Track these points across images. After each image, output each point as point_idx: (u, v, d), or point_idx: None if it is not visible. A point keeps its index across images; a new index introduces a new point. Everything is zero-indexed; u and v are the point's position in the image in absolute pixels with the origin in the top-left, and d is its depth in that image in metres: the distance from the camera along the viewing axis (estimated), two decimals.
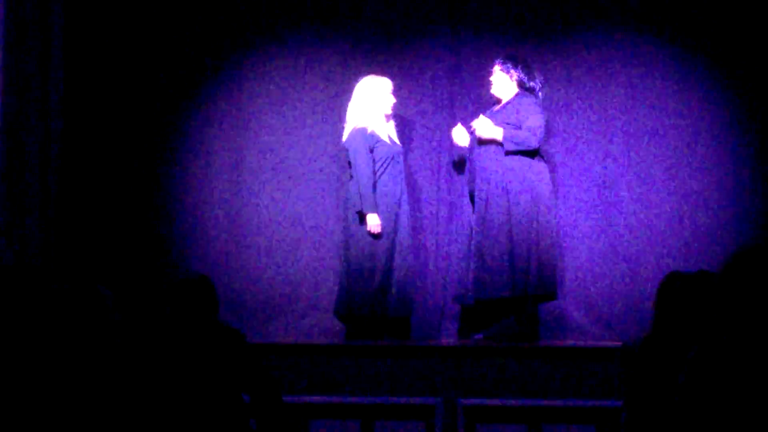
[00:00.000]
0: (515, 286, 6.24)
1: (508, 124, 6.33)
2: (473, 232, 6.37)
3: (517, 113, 6.35)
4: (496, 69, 6.48)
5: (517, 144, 6.27)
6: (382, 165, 6.36)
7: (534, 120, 6.32)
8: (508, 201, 6.26)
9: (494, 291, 6.27)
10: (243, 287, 6.89)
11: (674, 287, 3.82)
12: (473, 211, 6.44)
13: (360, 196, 6.29)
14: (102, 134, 6.87)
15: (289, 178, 6.97)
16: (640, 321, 6.35)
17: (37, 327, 3.73)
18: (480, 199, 6.32)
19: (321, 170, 6.92)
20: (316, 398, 5.77)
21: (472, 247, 6.36)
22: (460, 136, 6.52)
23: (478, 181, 6.35)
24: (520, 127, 6.31)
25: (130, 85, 6.93)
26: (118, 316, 3.70)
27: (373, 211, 6.30)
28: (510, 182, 6.28)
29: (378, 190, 6.34)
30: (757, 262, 2.41)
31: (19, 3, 6.21)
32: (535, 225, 6.27)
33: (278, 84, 7.03)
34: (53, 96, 6.39)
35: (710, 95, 6.91)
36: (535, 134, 6.29)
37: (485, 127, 6.33)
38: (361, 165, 6.31)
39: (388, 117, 6.52)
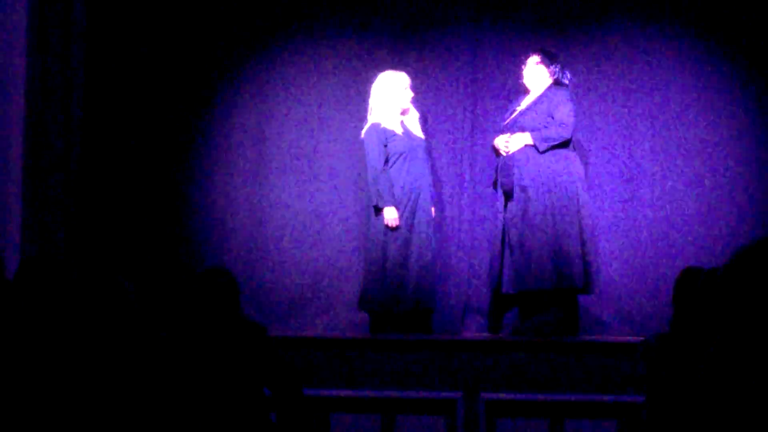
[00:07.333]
0: (560, 279, 6.21)
1: (539, 115, 6.31)
2: (511, 224, 6.32)
3: (548, 105, 6.34)
4: (535, 60, 6.44)
5: (548, 140, 6.26)
6: (396, 159, 6.38)
7: (564, 110, 6.30)
8: (550, 192, 6.23)
9: (537, 282, 6.20)
10: (266, 281, 6.91)
11: (689, 283, 3.83)
12: (504, 205, 6.41)
13: (372, 191, 6.32)
14: (125, 129, 6.90)
15: (312, 172, 6.99)
16: (661, 316, 6.31)
17: (60, 317, 3.76)
18: (521, 191, 6.27)
19: (344, 164, 6.93)
20: (337, 392, 5.78)
21: (511, 240, 6.31)
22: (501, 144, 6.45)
23: (516, 173, 6.30)
24: (551, 118, 6.30)
25: (152, 80, 6.95)
26: (140, 308, 3.73)
27: (390, 204, 6.31)
28: (549, 174, 6.24)
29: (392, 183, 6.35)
30: (760, 257, 2.40)
31: (42, 1, 6.25)
32: (577, 216, 6.25)
33: (301, 79, 7.04)
34: (75, 92, 6.43)
35: (737, 91, 6.86)
36: (566, 125, 6.28)
37: (516, 142, 6.30)
38: (370, 160, 6.36)
39: (405, 111, 6.52)
